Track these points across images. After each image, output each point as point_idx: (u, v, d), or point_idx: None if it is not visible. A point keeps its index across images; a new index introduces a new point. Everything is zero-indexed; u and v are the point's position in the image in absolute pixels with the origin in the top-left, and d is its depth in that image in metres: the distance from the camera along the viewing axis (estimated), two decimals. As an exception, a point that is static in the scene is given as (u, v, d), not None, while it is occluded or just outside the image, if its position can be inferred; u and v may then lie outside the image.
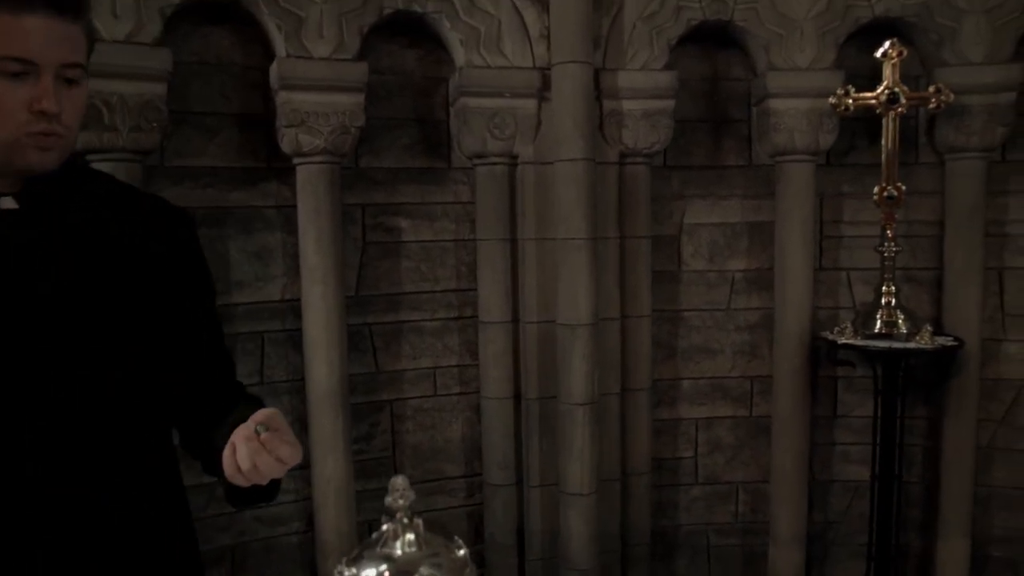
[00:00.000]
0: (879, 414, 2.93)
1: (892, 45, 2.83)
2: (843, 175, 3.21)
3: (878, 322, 2.85)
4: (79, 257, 1.14)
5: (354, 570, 0.86)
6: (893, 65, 2.83)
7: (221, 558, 2.81)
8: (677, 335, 3.28)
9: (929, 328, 2.80)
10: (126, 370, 1.16)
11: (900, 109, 2.83)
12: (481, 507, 3.15)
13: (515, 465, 3.09)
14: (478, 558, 3.11)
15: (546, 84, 2.89)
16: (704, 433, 3.33)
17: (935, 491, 3.17)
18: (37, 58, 1.06)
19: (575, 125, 2.82)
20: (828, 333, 2.99)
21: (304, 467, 2.81)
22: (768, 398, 3.25)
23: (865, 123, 3.06)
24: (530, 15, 2.87)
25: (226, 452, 1.09)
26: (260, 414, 1.10)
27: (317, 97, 2.64)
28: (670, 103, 2.99)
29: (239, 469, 1.08)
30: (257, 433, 1.06)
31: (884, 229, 2.88)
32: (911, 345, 2.79)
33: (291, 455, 1.07)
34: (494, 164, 2.96)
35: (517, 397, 3.07)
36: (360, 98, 2.71)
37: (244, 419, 1.11)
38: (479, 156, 2.96)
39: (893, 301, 2.86)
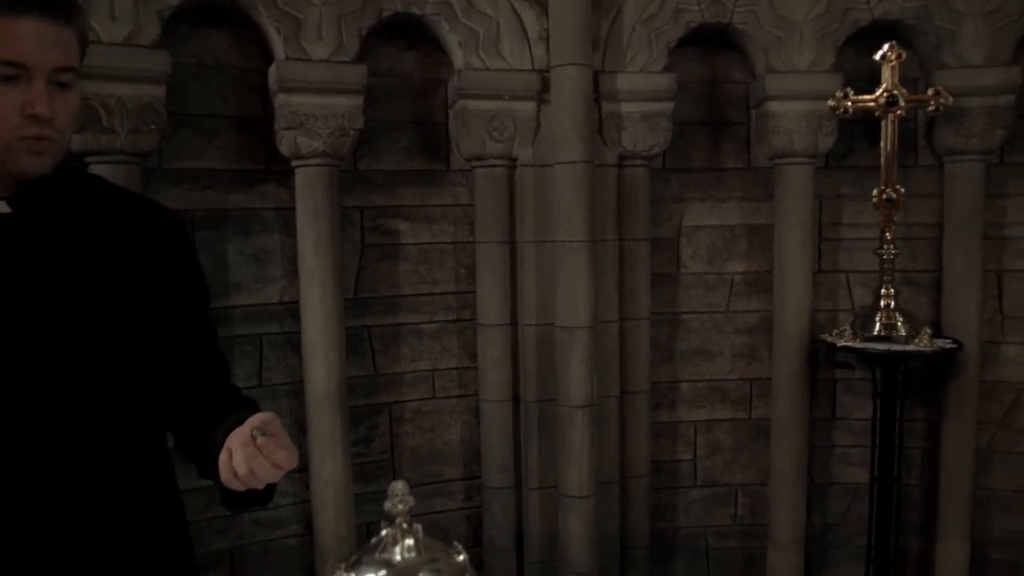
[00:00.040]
0: (878, 416, 2.93)
1: (891, 48, 2.83)
2: (842, 177, 3.21)
3: (877, 324, 2.85)
4: (76, 256, 1.14)
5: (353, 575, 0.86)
6: (892, 68, 2.83)
7: (219, 561, 2.80)
8: (676, 337, 3.28)
9: (928, 331, 2.80)
10: (126, 368, 1.17)
11: (899, 111, 2.83)
12: (480, 510, 3.15)
13: (514, 468, 3.08)
14: (477, 561, 3.10)
15: (545, 86, 2.89)
16: (703, 436, 3.33)
17: (934, 493, 3.17)
18: (29, 62, 1.06)
19: (574, 127, 2.82)
20: (827, 336, 2.99)
21: (303, 470, 2.81)
22: (767, 400, 3.25)
23: (864, 125, 3.06)
24: (529, 17, 2.87)
25: (222, 457, 1.09)
26: (256, 419, 1.09)
27: (316, 99, 2.63)
28: (669, 105, 2.99)
29: (235, 474, 1.07)
30: (253, 438, 1.06)
31: (883, 231, 2.88)
32: (910, 348, 2.79)
33: (287, 460, 1.07)
34: (493, 166, 2.96)
35: (516, 400, 3.06)
36: (359, 100, 2.71)
37: (239, 423, 1.11)
38: (478, 158, 2.96)
39: (892, 303, 2.86)
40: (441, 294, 3.08)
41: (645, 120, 2.97)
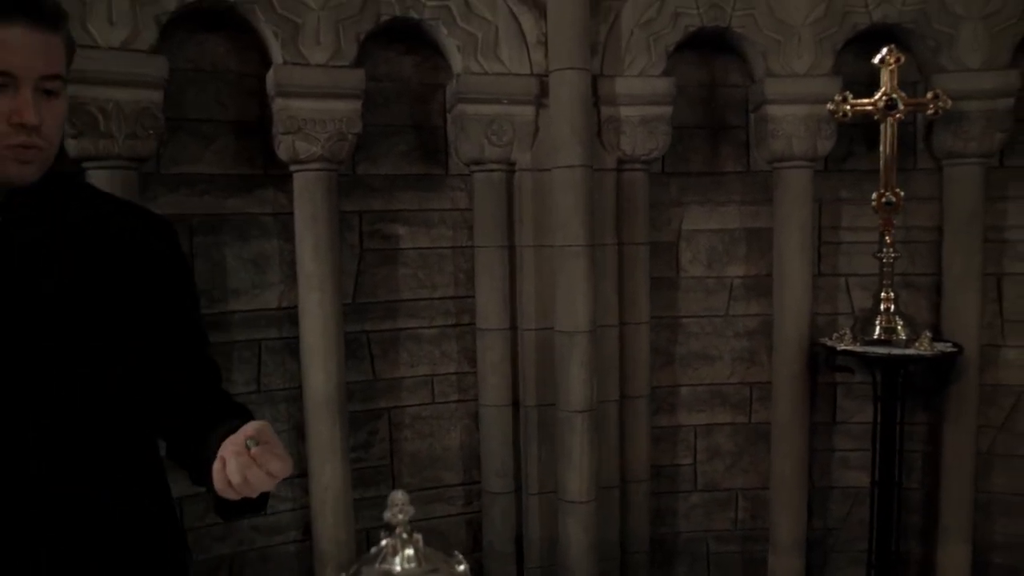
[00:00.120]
0: (878, 420, 2.92)
1: (890, 51, 2.82)
2: (841, 181, 3.21)
3: (877, 328, 2.84)
4: (71, 263, 1.14)
5: (353, 586, 0.85)
6: (891, 71, 2.83)
7: (218, 568, 2.79)
8: (676, 342, 3.28)
9: (928, 334, 2.80)
10: (122, 373, 1.18)
11: (898, 115, 2.83)
12: (479, 515, 3.14)
13: (514, 473, 3.07)
14: (477, 566, 3.09)
15: (544, 91, 2.89)
16: (703, 440, 3.32)
17: (935, 497, 3.16)
18: (16, 70, 1.05)
19: (573, 131, 2.82)
20: (827, 339, 2.98)
21: (302, 475, 2.80)
22: (767, 404, 3.24)
23: (863, 129, 3.06)
24: (527, 21, 2.87)
25: (216, 466, 1.09)
26: (250, 427, 1.09)
27: (314, 104, 2.63)
28: (668, 109, 2.99)
29: (229, 483, 1.07)
30: (248, 448, 1.05)
31: (883, 235, 2.88)
32: (910, 351, 2.78)
33: (282, 469, 1.06)
34: (492, 171, 2.95)
35: (515, 404, 3.06)
36: (357, 105, 2.71)
37: (233, 431, 1.11)
38: (476, 163, 2.95)
39: (892, 307, 2.86)
40: (440, 299, 3.07)
41: (644, 124, 2.97)
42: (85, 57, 2.29)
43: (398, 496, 0.85)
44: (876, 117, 2.85)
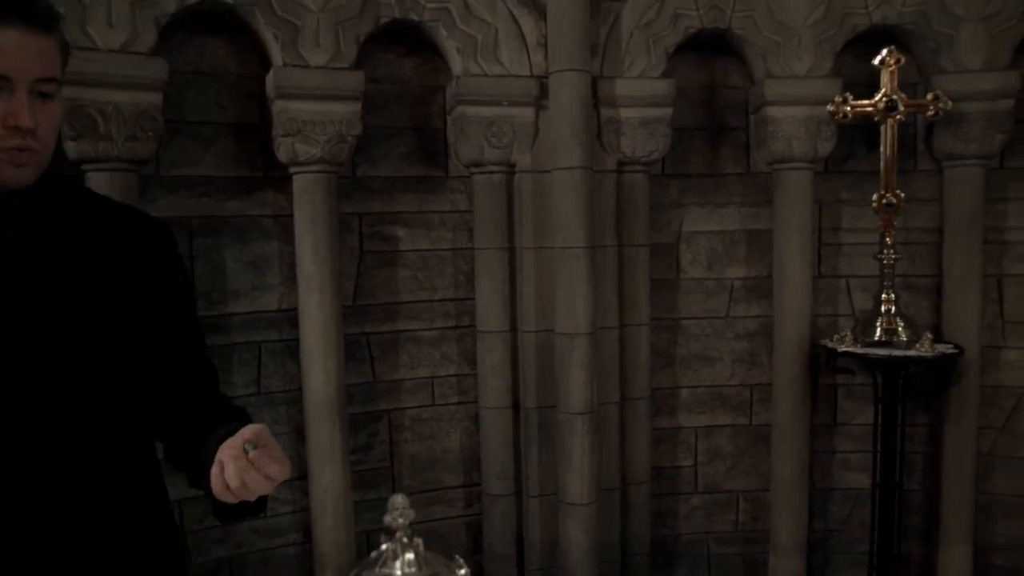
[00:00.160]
0: (879, 422, 2.92)
1: (890, 52, 2.82)
2: (841, 182, 3.20)
3: (878, 330, 2.84)
4: (70, 264, 1.14)
5: (353, 590, 0.85)
6: (891, 72, 2.83)
7: (218, 570, 2.79)
8: (676, 343, 3.27)
9: (929, 336, 2.79)
10: (121, 374, 1.18)
11: (898, 116, 2.83)
12: (480, 517, 3.13)
13: (514, 475, 3.07)
14: (477, 568, 3.09)
15: (543, 92, 2.89)
16: (704, 442, 3.32)
17: (936, 499, 3.16)
18: (11, 73, 1.05)
19: (573, 133, 2.81)
20: (827, 341, 2.98)
21: (302, 478, 2.80)
22: (768, 406, 3.24)
23: (863, 130, 3.06)
24: (527, 23, 2.87)
25: (214, 470, 1.09)
26: (248, 431, 1.09)
27: (313, 106, 2.63)
28: (668, 111, 2.99)
29: (227, 487, 1.07)
30: (246, 452, 1.05)
31: (883, 236, 2.87)
32: (911, 353, 2.78)
33: (280, 473, 1.06)
34: (491, 172, 2.95)
35: (516, 407, 3.05)
36: (357, 107, 2.71)
37: (231, 434, 1.10)
38: (476, 164, 2.95)
39: (893, 308, 2.85)
40: (440, 300, 3.07)
41: (644, 126, 2.97)
42: (84, 59, 2.30)
43: (398, 500, 0.85)
44: (876, 118, 2.85)
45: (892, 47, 2.83)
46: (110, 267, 1.18)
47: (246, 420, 1.24)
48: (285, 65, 2.61)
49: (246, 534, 2.83)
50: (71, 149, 2.36)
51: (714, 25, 2.97)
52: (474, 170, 2.98)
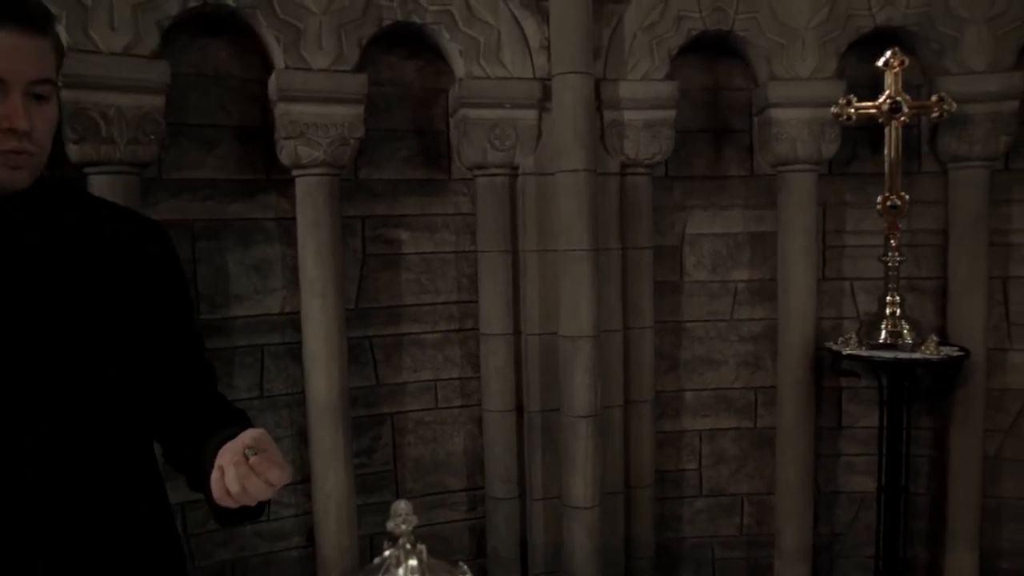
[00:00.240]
0: (884, 425, 2.91)
1: (894, 54, 2.82)
2: (845, 184, 3.19)
3: (883, 332, 2.83)
4: (68, 266, 1.14)
5: (355, 597, 0.84)
6: (895, 74, 2.82)
7: (221, 573, 2.78)
8: (680, 346, 3.26)
9: (934, 338, 2.78)
10: (119, 376, 1.17)
11: (903, 118, 2.82)
12: (483, 521, 3.12)
13: (517, 478, 3.06)
14: (480, 572, 3.08)
15: (546, 95, 2.88)
16: (708, 445, 3.31)
17: (942, 502, 3.14)
18: (6, 75, 1.04)
19: (576, 135, 2.81)
20: (832, 344, 2.97)
21: (305, 481, 2.79)
22: (772, 409, 3.23)
23: (867, 132, 3.05)
24: (530, 26, 2.87)
25: (215, 476, 1.08)
26: (248, 436, 1.08)
27: (316, 109, 2.62)
28: (671, 113, 2.98)
29: (228, 492, 1.06)
30: (246, 457, 1.04)
31: (887, 238, 2.87)
32: (916, 355, 2.76)
33: (280, 478, 1.06)
34: (494, 175, 2.94)
35: (519, 410, 3.04)
36: (359, 110, 2.70)
37: (230, 438, 1.10)
38: (479, 167, 2.94)
39: (898, 311, 2.84)
40: (443, 303, 3.06)
41: (647, 128, 2.96)
42: (87, 62, 2.30)
43: (401, 506, 0.84)
44: (880, 120, 2.84)
45: (896, 49, 2.83)
46: (106, 269, 1.18)
47: (245, 422, 1.24)
48: (287, 68, 2.61)
49: (249, 537, 2.82)
50: (73, 152, 2.36)
51: (717, 27, 2.96)
52: (477, 173, 2.97)
